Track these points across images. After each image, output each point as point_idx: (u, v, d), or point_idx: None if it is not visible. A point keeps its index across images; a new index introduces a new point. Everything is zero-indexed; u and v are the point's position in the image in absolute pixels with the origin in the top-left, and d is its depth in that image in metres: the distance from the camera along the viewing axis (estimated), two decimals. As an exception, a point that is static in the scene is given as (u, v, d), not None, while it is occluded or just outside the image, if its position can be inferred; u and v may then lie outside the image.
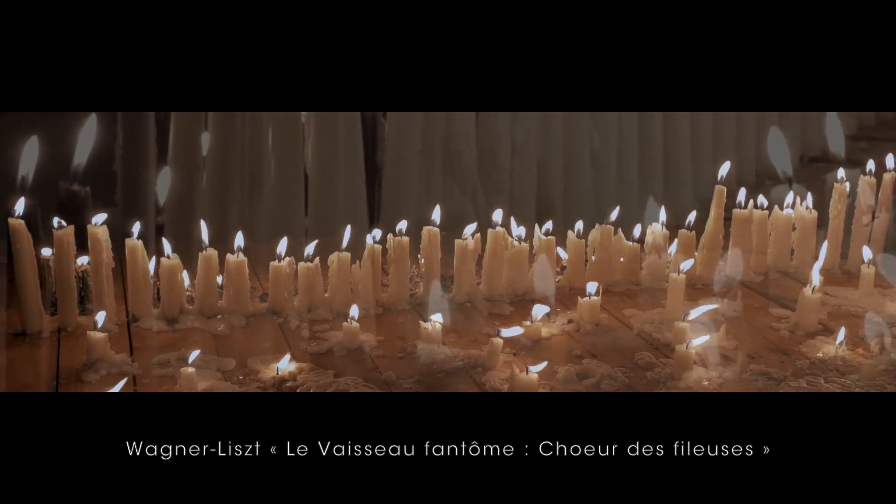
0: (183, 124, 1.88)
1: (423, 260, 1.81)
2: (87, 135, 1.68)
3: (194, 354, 1.45)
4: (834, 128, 2.01)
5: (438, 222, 1.81)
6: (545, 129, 2.26)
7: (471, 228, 1.82)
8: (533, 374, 1.37)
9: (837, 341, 1.60)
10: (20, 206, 1.63)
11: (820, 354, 1.59)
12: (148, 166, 1.85)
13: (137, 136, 1.92)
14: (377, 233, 1.79)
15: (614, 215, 1.91)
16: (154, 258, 1.70)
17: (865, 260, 1.88)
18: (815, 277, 1.71)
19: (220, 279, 1.74)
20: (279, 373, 1.48)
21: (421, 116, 2.04)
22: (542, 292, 1.63)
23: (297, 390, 1.43)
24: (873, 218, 1.64)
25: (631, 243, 1.93)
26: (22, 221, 1.60)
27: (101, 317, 1.54)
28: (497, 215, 1.86)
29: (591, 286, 1.71)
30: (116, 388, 1.34)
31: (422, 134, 2.08)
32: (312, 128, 1.96)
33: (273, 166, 1.68)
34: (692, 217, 1.95)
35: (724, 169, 1.97)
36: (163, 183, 1.64)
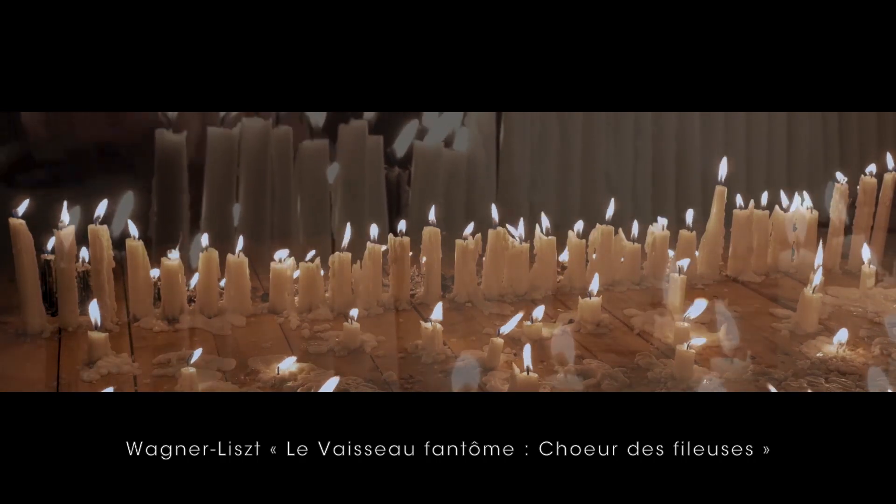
0: (215, 192, 1.92)
1: (423, 260, 1.81)
2: (125, 207, 1.70)
3: (197, 353, 1.45)
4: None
5: (435, 221, 1.81)
6: (562, 195, 2.27)
7: (470, 228, 1.82)
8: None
9: (837, 341, 1.60)
10: (22, 206, 1.63)
11: (820, 354, 1.59)
12: (182, 234, 1.87)
13: (171, 204, 1.95)
14: (377, 233, 1.80)
15: (610, 211, 1.91)
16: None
17: (865, 260, 1.89)
18: (818, 277, 1.72)
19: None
20: (280, 372, 1.48)
21: (443, 185, 2.08)
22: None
23: (298, 390, 1.43)
24: (878, 280, 1.66)
25: (631, 243, 1.93)
26: (22, 221, 1.60)
27: (94, 308, 1.54)
28: (495, 214, 1.86)
29: (594, 283, 1.71)
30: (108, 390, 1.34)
31: (444, 199, 2.11)
32: (339, 194, 2.00)
33: (302, 233, 1.72)
34: (691, 217, 1.95)
35: (723, 168, 1.97)
36: (196, 250, 1.67)
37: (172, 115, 1.95)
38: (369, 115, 2.06)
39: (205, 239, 1.73)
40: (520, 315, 1.60)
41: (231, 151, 1.96)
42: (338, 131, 2.03)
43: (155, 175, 1.97)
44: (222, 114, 2.00)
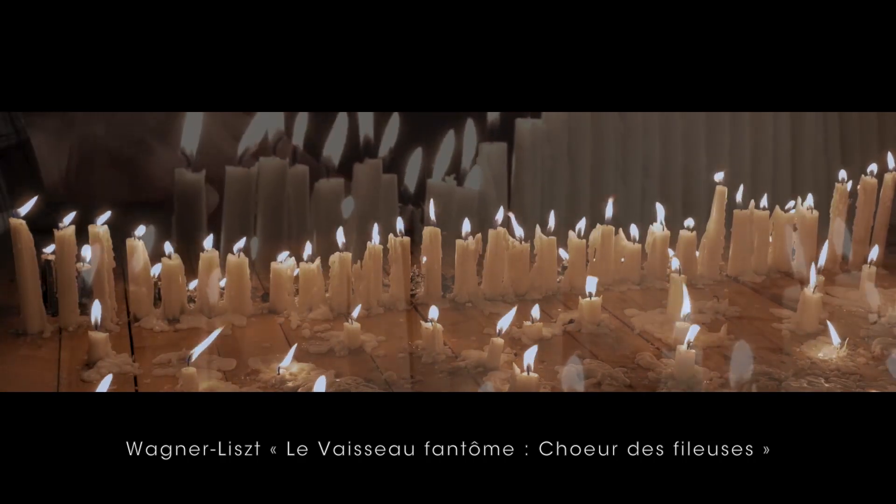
0: (233, 225, 1.93)
1: (424, 259, 1.81)
2: (146, 243, 1.71)
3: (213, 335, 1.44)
4: None
5: (436, 221, 1.82)
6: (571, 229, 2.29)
7: (467, 227, 1.82)
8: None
9: (834, 343, 1.60)
10: (25, 207, 1.64)
11: (821, 354, 1.59)
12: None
13: (190, 241, 1.96)
14: (377, 233, 1.80)
15: (610, 211, 1.91)
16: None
17: (870, 260, 1.89)
18: (813, 277, 1.72)
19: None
20: (281, 372, 1.48)
21: (455, 223, 2.11)
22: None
23: (298, 390, 1.44)
24: (879, 316, 1.66)
25: (631, 243, 1.93)
26: (23, 221, 1.60)
27: (96, 308, 1.54)
28: (498, 214, 1.87)
29: (591, 283, 1.71)
30: (104, 387, 1.33)
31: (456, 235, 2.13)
32: (354, 231, 2.02)
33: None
34: (691, 222, 1.95)
35: (719, 176, 1.98)
36: (213, 284, 1.69)
37: (191, 154, 1.97)
38: (384, 154, 2.09)
39: (208, 241, 1.73)
40: (514, 310, 1.60)
41: (249, 189, 1.99)
42: (353, 170, 2.06)
43: (174, 212, 1.99)
44: (240, 153, 2.03)
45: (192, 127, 1.97)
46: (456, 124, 2.14)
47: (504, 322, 1.56)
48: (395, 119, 2.12)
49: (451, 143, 2.12)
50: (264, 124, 2.06)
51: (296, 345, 1.53)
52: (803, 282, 1.89)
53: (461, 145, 2.14)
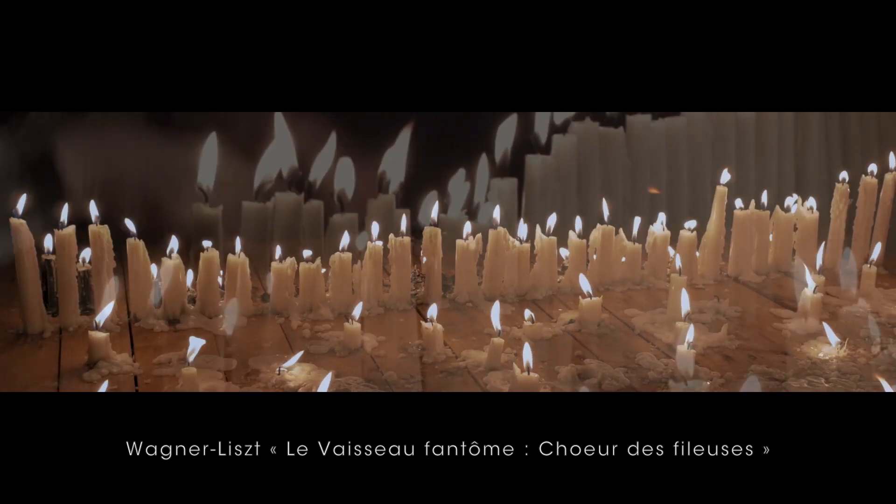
0: (249, 259, 1.96)
1: (424, 260, 1.81)
2: (164, 278, 1.72)
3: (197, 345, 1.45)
4: None
5: (437, 221, 1.82)
6: None
7: (468, 227, 1.82)
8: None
9: (833, 342, 1.60)
10: (21, 204, 1.64)
11: (821, 354, 1.59)
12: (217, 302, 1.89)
13: (206, 276, 1.98)
14: (377, 232, 1.80)
15: (606, 213, 1.91)
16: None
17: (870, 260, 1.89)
18: (811, 282, 1.72)
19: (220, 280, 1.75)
20: (280, 372, 1.48)
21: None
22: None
23: (298, 390, 1.44)
24: (882, 349, 1.66)
25: (631, 243, 1.93)
26: (23, 221, 1.60)
27: (107, 310, 1.55)
28: (496, 213, 1.87)
29: (584, 283, 1.71)
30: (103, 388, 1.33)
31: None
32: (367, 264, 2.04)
33: (331, 300, 1.75)
34: (692, 223, 1.95)
35: (724, 177, 1.97)
36: (230, 316, 1.70)
37: (208, 189, 1.98)
38: (395, 189, 2.10)
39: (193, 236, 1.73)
40: (497, 305, 1.58)
41: (265, 224, 2.01)
42: (367, 205, 2.07)
43: (191, 247, 2.00)
44: (255, 187, 2.04)
45: (208, 162, 1.97)
46: (467, 161, 2.16)
47: (493, 317, 1.55)
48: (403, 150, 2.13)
49: (462, 178, 2.14)
50: (277, 159, 2.06)
51: (301, 352, 1.53)
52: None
53: (473, 181, 2.16)
